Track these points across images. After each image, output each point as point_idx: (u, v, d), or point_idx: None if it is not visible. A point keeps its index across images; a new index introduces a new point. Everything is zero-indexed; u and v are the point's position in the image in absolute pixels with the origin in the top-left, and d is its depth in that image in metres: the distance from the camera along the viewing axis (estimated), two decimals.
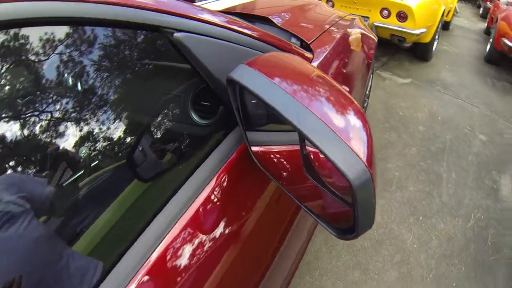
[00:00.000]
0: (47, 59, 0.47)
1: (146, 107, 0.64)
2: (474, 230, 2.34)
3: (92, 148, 0.52)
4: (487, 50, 5.90)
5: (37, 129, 0.46)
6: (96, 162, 0.53)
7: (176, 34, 0.62)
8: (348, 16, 2.06)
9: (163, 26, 0.61)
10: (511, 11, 5.39)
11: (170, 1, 0.66)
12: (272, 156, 0.77)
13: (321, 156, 0.65)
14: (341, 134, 0.49)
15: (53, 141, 0.48)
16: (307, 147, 0.65)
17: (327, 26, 1.65)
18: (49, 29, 0.47)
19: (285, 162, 0.78)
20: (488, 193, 2.71)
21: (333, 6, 4.20)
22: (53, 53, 0.47)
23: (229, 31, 0.74)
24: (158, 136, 0.66)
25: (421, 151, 3.06)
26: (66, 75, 0.49)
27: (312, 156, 0.67)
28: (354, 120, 0.54)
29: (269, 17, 1.52)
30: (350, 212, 0.58)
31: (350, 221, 0.58)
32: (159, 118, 0.65)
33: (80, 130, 0.50)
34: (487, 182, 2.82)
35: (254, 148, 0.75)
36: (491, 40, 5.80)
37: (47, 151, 0.47)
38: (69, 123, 0.49)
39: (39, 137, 0.46)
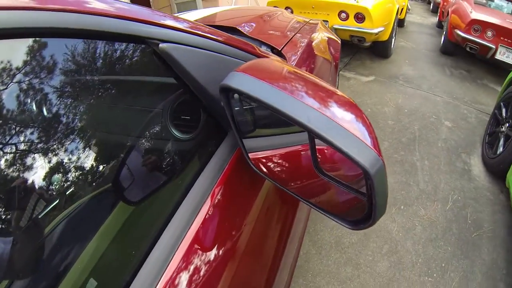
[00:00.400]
0: (14, 75, 0.42)
1: (123, 127, 0.60)
2: (454, 211, 2.43)
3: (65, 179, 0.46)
4: (442, 42, 6.20)
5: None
6: (70, 196, 0.47)
7: (162, 45, 0.60)
8: (311, 21, 2.12)
9: (149, 37, 0.59)
10: (460, 4, 5.69)
11: (154, 12, 0.65)
12: (269, 160, 0.76)
13: (326, 151, 0.68)
14: (349, 128, 0.52)
15: (20, 175, 0.41)
16: (316, 146, 0.67)
17: (294, 32, 1.68)
18: (22, 41, 0.43)
19: (284, 164, 0.78)
20: (461, 174, 2.83)
21: (292, 13, 4.30)
22: (21, 69, 0.42)
23: (211, 41, 0.73)
24: (141, 157, 0.62)
25: (393, 143, 3.15)
26: (32, 95, 0.44)
27: (318, 153, 0.69)
28: (353, 114, 0.58)
29: (237, 27, 1.54)
30: (361, 202, 0.62)
31: (363, 210, 0.61)
32: (140, 138, 0.62)
33: (49, 161, 0.44)
34: (459, 165, 2.95)
35: (250, 155, 0.74)
36: (444, 32, 6.09)
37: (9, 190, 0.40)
38: (36, 154, 0.43)
39: None
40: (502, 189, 2.71)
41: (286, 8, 4.34)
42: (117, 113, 0.59)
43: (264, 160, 0.76)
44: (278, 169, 0.78)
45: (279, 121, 0.67)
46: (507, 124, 2.88)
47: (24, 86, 0.43)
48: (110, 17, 0.53)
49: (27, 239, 0.42)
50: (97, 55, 0.54)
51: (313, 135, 0.60)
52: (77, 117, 0.49)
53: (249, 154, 0.74)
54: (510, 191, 2.33)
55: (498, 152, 2.78)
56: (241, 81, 0.59)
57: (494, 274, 2.02)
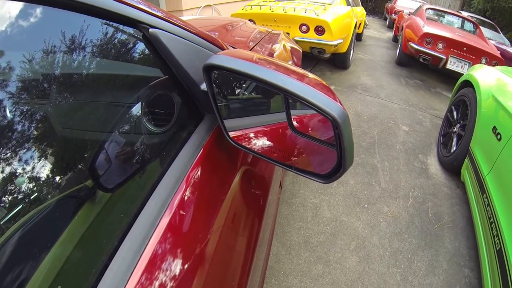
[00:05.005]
0: None
1: (98, 117, 0.57)
2: (415, 206, 2.53)
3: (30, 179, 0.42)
4: (397, 54, 6.60)
5: None
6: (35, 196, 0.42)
7: (152, 30, 0.67)
8: (273, 31, 2.20)
9: (140, 21, 0.65)
10: (413, 20, 6.15)
11: (145, 2, 0.71)
12: (247, 136, 0.84)
13: (298, 118, 0.79)
14: (316, 89, 0.62)
15: None
16: (291, 110, 0.78)
17: (257, 41, 1.74)
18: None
19: (261, 137, 0.85)
20: (419, 173, 2.96)
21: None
22: None
23: (191, 33, 0.81)
24: (116, 147, 0.59)
25: (354, 148, 3.21)
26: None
27: (293, 119, 0.79)
28: (316, 81, 0.70)
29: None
30: (331, 158, 0.70)
31: (333, 165, 0.70)
32: (115, 129, 0.59)
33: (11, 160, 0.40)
34: (417, 164, 3.08)
35: (230, 133, 0.81)
36: (399, 45, 6.50)
37: None
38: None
39: None
40: (458, 184, 2.85)
41: (249, 20, 4.43)
42: (93, 103, 0.57)
43: (243, 137, 0.83)
44: (256, 142, 0.85)
45: (255, 103, 0.86)
46: (459, 125, 3.06)
47: None
48: None
49: None
50: (90, 34, 0.55)
51: (288, 96, 0.70)
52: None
53: (229, 133, 0.81)
54: (466, 184, 2.46)
55: (452, 151, 2.94)
56: (223, 60, 0.68)
57: (458, 260, 2.10)
